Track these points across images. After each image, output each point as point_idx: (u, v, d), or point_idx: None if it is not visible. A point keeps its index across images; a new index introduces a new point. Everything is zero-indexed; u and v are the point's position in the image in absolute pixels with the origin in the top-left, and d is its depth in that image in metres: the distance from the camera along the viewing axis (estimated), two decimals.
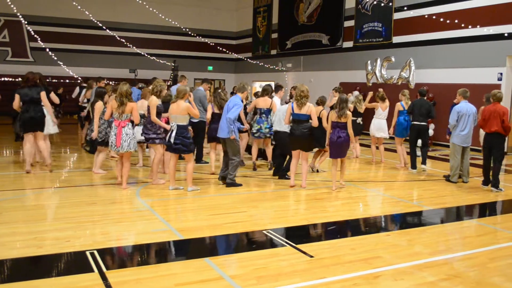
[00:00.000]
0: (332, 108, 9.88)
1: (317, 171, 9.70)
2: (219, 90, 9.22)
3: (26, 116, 8.38)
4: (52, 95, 9.04)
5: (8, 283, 4.02)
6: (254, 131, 9.34)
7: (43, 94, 8.45)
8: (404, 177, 9.60)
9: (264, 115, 9.21)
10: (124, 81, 10.29)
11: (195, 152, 9.51)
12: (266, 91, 9.41)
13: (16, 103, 8.45)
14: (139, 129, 8.59)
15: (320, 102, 8.98)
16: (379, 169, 10.48)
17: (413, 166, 10.06)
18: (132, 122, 7.69)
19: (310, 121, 7.93)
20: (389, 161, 11.27)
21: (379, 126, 10.86)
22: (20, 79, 21.67)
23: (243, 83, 8.50)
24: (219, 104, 8.67)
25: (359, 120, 11.30)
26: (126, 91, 7.54)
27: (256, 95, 10.96)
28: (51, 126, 9.01)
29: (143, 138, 8.49)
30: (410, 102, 10.37)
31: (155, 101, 7.85)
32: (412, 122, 9.88)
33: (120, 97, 7.49)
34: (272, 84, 15.98)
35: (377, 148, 11.33)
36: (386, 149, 11.71)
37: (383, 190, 8.23)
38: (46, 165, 8.82)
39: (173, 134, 7.42)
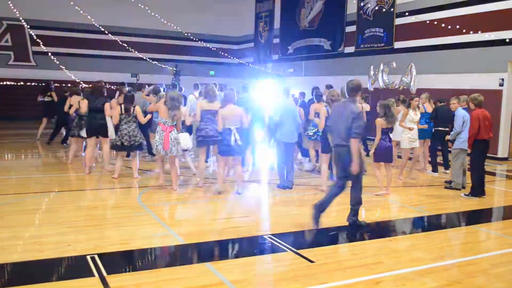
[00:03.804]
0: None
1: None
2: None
3: (92, 122, 9.08)
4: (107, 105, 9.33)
5: (9, 287, 4.01)
6: (311, 133, 9.45)
7: (107, 105, 8.90)
8: (406, 183, 9.57)
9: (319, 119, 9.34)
10: (121, 84, 10.40)
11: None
12: (322, 96, 9.67)
13: (84, 107, 9.23)
14: (186, 136, 8.54)
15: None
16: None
17: (435, 169, 10.34)
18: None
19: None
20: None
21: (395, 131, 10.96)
22: (22, 83, 21.93)
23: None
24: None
25: None
26: (179, 96, 7.78)
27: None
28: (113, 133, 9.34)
29: (188, 146, 8.62)
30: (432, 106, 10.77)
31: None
32: (438, 128, 10.03)
33: (171, 101, 7.60)
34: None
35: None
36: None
37: (385, 195, 8.20)
38: (108, 170, 9.21)
39: (236, 137, 7.51)
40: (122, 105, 8.56)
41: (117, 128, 8.72)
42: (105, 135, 9.11)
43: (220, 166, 7.88)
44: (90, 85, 9.97)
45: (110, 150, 9.33)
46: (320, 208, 5.97)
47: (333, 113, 6.18)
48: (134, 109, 8.54)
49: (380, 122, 7.99)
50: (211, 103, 8.05)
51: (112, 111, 8.76)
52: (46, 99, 14.05)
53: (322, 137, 8.49)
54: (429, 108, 10.69)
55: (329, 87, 11.26)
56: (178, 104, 7.68)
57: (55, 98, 13.74)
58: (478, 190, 8.15)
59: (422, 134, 10.63)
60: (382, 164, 8.26)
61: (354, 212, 6.22)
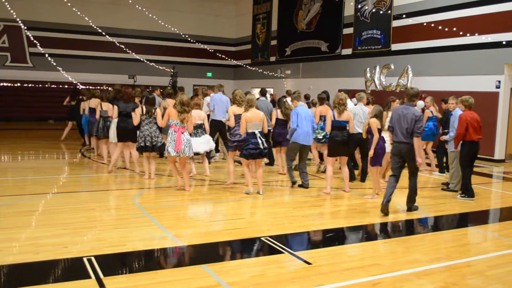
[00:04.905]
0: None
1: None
2: (285, 100, 10.02)
3: (123, 127, 9.27)
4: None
5: None
6: (320, 137, 9.61)
7: (137, 111, 8.89)
8: (403, 184, 9.56)
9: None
10: (119, 84, 10.64)
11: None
12: (325, 99, 9.80)
13: (115, 113, 9.47)
14: (196, 140, 8.78)
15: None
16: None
17: (442, 170, 10.61)
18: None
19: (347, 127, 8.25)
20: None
21: None
22: (19, 84, 21.89)
23: (298, 92, 9.19)
24: (284, 112, 9.44)
25: None
26: (188, 101, 7.86)
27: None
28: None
29: (199, 150, 8.92)
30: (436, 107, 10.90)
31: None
32: (445, 131, 10.05)
33: (181, 106, 7.72)
34: (271, 90, 16.07)
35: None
36: None
37: (381, 197, 8.19)
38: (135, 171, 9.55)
39: (262, 140, 7.72)
40: (143, 107, 8.70)
41: (137, 129, 8.93)
42: (133, 139, 9.24)
43: (247, 168, 8.04)
44: (118, 89, 10.41)
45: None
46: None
47: (394, 115, 7.01)
48: (155, 111, 8.69)
49: (375, 123, 7.97)
50: (241, 107, 8.23)
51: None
52: (73, 102, 14.39)
53: (328, 140, 8.50)
54: (434, 111, 10.76)
55: (346, 92, 11.32)
56: (187, 108, 7.79)
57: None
58: (469, 190, 8.18)
59: (425, 137, 10.70)
60: (379, 167, 8.27)
61: (412, 199, 7.21)
